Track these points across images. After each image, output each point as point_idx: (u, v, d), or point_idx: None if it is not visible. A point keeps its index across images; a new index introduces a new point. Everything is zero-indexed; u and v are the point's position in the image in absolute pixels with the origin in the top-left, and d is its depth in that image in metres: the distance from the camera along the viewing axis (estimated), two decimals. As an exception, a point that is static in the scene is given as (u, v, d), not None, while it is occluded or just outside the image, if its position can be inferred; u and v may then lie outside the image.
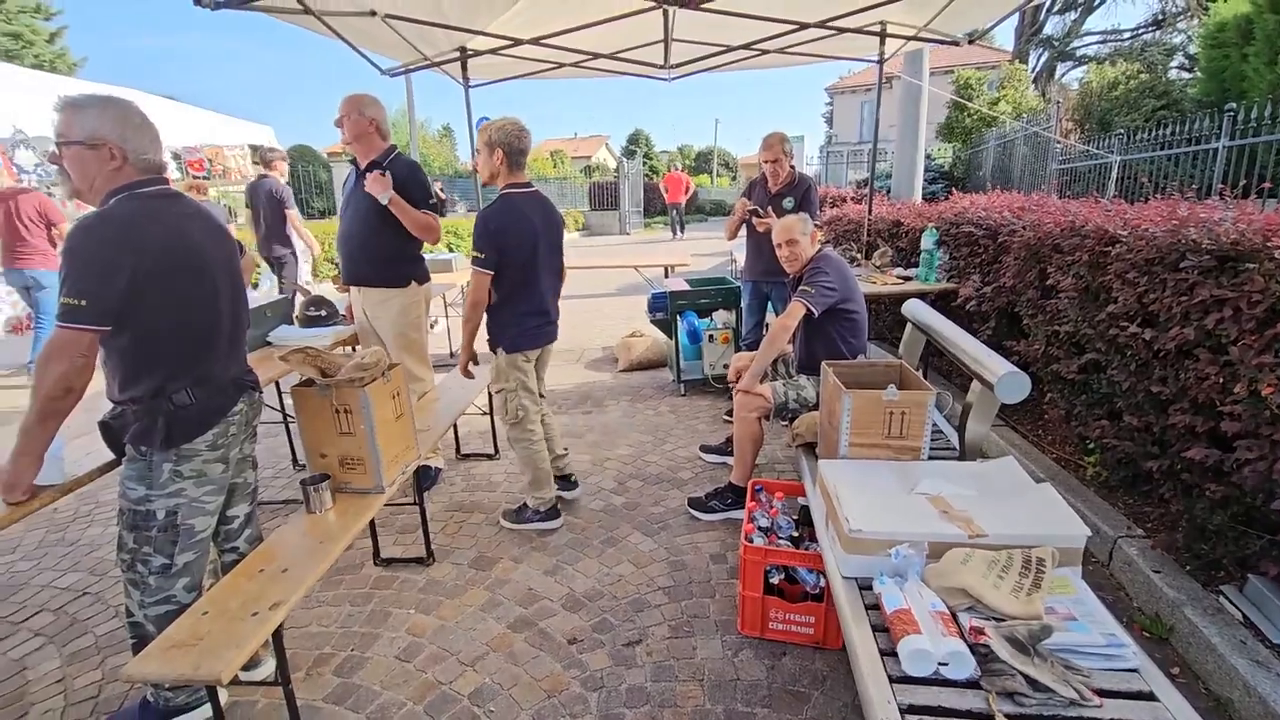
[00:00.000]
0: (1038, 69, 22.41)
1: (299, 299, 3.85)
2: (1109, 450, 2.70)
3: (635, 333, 5.91)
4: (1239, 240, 2.02)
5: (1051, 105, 10.18)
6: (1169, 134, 6.54)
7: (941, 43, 4.70)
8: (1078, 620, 1.45)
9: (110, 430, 1.77)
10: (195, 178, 7.66)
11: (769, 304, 4.21)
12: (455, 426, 3.58)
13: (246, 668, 1.88)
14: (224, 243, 1.86)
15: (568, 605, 2.44)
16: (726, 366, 4.51)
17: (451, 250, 9.17)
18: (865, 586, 1.67)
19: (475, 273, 2.65)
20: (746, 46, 4.80)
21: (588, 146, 42.46)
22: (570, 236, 19.52)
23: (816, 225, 3.08)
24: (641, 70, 5.34)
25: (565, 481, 3.20)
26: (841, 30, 4.35)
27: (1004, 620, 1.42)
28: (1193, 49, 15.87)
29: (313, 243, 6.40)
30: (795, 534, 2.31)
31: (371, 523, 2.55)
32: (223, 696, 1.78)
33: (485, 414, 3.84)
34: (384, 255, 3.02)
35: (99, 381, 1.65)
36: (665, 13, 4.01)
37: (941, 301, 4.08)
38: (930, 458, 2.19)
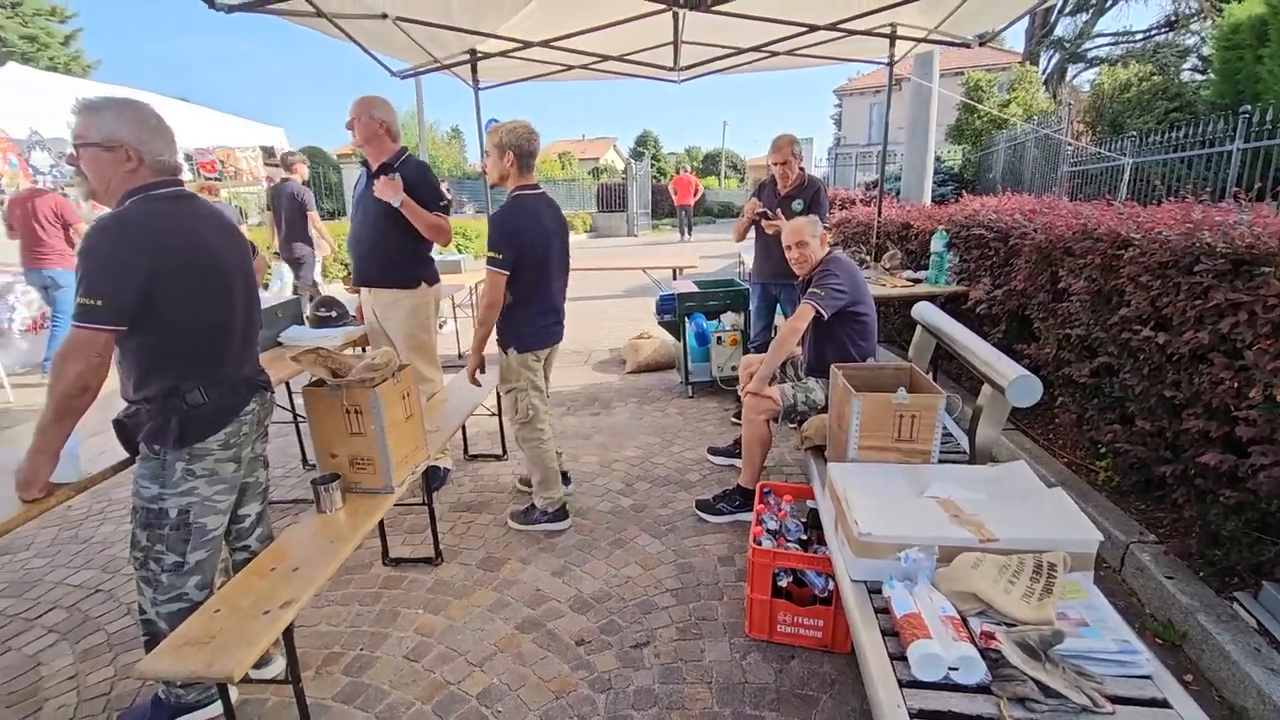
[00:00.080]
0: (1049, 71, 22.27)
1: (310, 299, 3.87)
2: (1121, 455, 2.67)
3: (643, 334, 5.91)
4: (1254, 244, 2.00)
5: (1063, 107, 10.11)
6: (1182, 136, 6.48)
7: (952, 45, 4.68)
8: (1090, 626, 1.44)
9: (124, 429, 1.79)
10: (207, 179, 7.72)
11: (778, 306, 4.20)
12: (464, 427, 3.59)
13: (257, 665, 1.89)
14: (237, 243, 1.87)
15: (575, 606, 2.44)
16: (734, 368, 4.52)
17: (460, 252, 9.20)
18: (874, 590, 1.66)
19: (491, 273, 2.64)
20: (756, 48, 4.80)
21: (596, 148, 42.55)
22: (578, 238, 19.57)
23: (825, 227, 3.07)
24: (651, 72, 5.35)
25: (562, 478, 3.21)
26: (851, 32, 4.34)
27: (1015, 625, 1.41)
28: (1206, 50, 15.74)
29: (331, 243, 6.53)
30: (804, 537, 2.31)
31: (380, 523, 2.56)
32: (233, 694, 1.79)
33: (493, 415, 3.85)
34: (394, 257, 3.04)
35: (114, 380, 1.67)
36: (675, 15, 4.01)
37: (951, 304, 4.06)
38: (940, 461, 2.18)
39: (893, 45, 4.67)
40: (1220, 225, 2.19)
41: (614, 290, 9.72)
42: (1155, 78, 9.84)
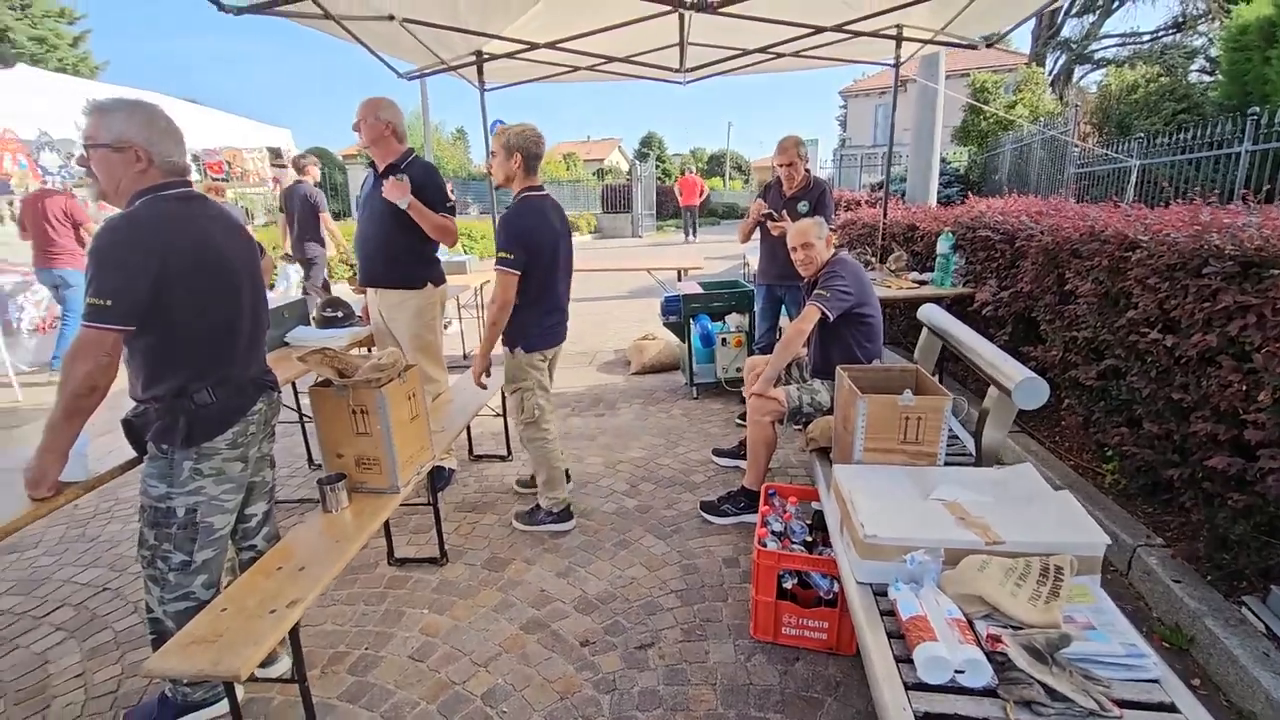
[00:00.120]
0: (1055, 72, 22.19)
1: (316, 300, 3.89)
2: (1128, 458, 2.66)
3: (648, 335, 5.91)
4: (1263, 246, 1.99)
5: (1069, 108, 10.08)
6: (1190, 138, 6.45)
7: (958, 46, 4.67)
8: (1097, 629, 1.44)
9: (133, 428, 1.79)
10: (214, 179, 7.76)
11: (782, 308, 4.20)
12: (469, 428, 3.60)
13: (263, 664, 1.90)
14: (245, 244, 1.88)
15: (580, 607, 2.44)
16: (739, 370, 4.51)
17: (466, 252, 9.23)
18: (880, 592, 1.66)
19: (503, 273, 2.64)
20: (762, 50, 4.80)
21: (600, 149, 42.61)
22: (583, 239, 19.60)
23: (831, 229, 3.07)
24: (657, 74, 5.35)
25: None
26: (857, 34, 4.34)
27: (1022, 628, 1.41)
28: (1214, 52, 15.67)
29: (342, 244, 6.61)
30: (809, 539, 2.30)
31: (386, 522, 2.57)
32: (239, 693, 1.80)
33: (498, 415, 3.85)
34: (400, 257, 3.05)
35: (122, 380, 1.67)
36: (681, 16, 4.01)
37: (957, 306, 4.05)
38: (946, 464, 2.17)
39: (899, 47, 4.66)
40: (1229, 227, 2.18)
41: (619, 291, 9.73)
42: (1162, 79, 9.80)
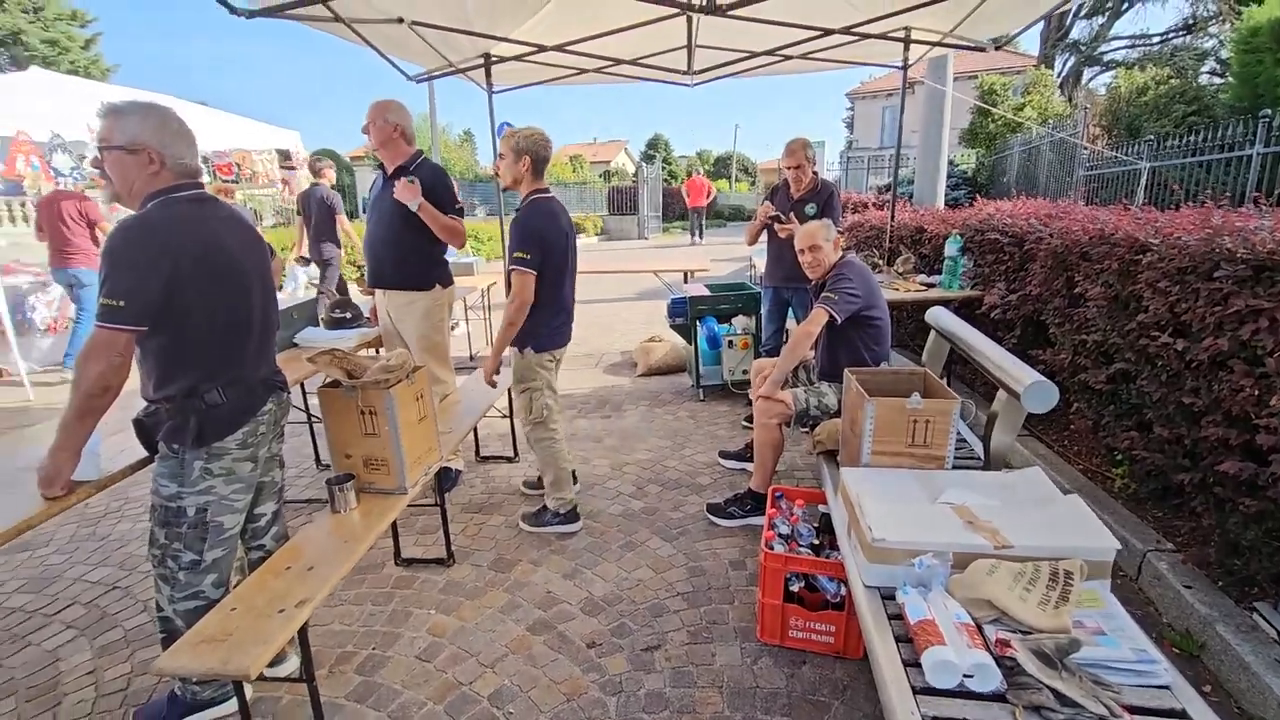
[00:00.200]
0: (1064, 74, 22.10)
1: (324, 301, 3.91)
2: (1138, 462, 2.65)
3: (654, 337, 5.91)
4: (1276, 250, 1.98)
5: (1078, 111, 10.03)
6: (1201, 140, 6.41)
7: (967, 49, 4.66)
8: (1107, 635, 1.43)
9: (144, 428, 1.81)
10: (224, 181, 7.82)
11: (789, 310, 4.19)
12: (475, 429, 3.61)
13: (272, 664, 1.91)
14: (256, 246, 1.90)
15: (586, 609, 2.44)
16: (746, 372, 4.51)
17: (474, 254, 9.25)
18: (888, 596, 1.65)
19: (521, 274, 2.65)
20: (770, 52, 4.80)
21: (607, 151, 42.67)
22: (589, 241, 19.62)
23: (838, 232, 3.06)
24: (664, 76, 5.36)
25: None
26: (865, 36, 4.33)
27: (1031, 633, 1.40)
28: (1225, 54, 15.57)
29: (356, 244, 6.72)
30: (816, 542, 2.30)
31: (393, 523, 2.58)
32: (248, 692, 1.81)
33: (505, 416, 3.86)
34: (409, 258, 3.06)
35: (134, 380, 1.69)
36: (689, 19, 4.02)
37: (965, 309, 4.04)
38: (954, 467, 2.17)
39: (907, 49, 4.65)
40: (1241, 231, 2.17)
41: (625, 293, 9.73)
42: (1173, 81, 9.74)
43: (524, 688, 2.06)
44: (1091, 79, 22.82)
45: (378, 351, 3.44)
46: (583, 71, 5.18)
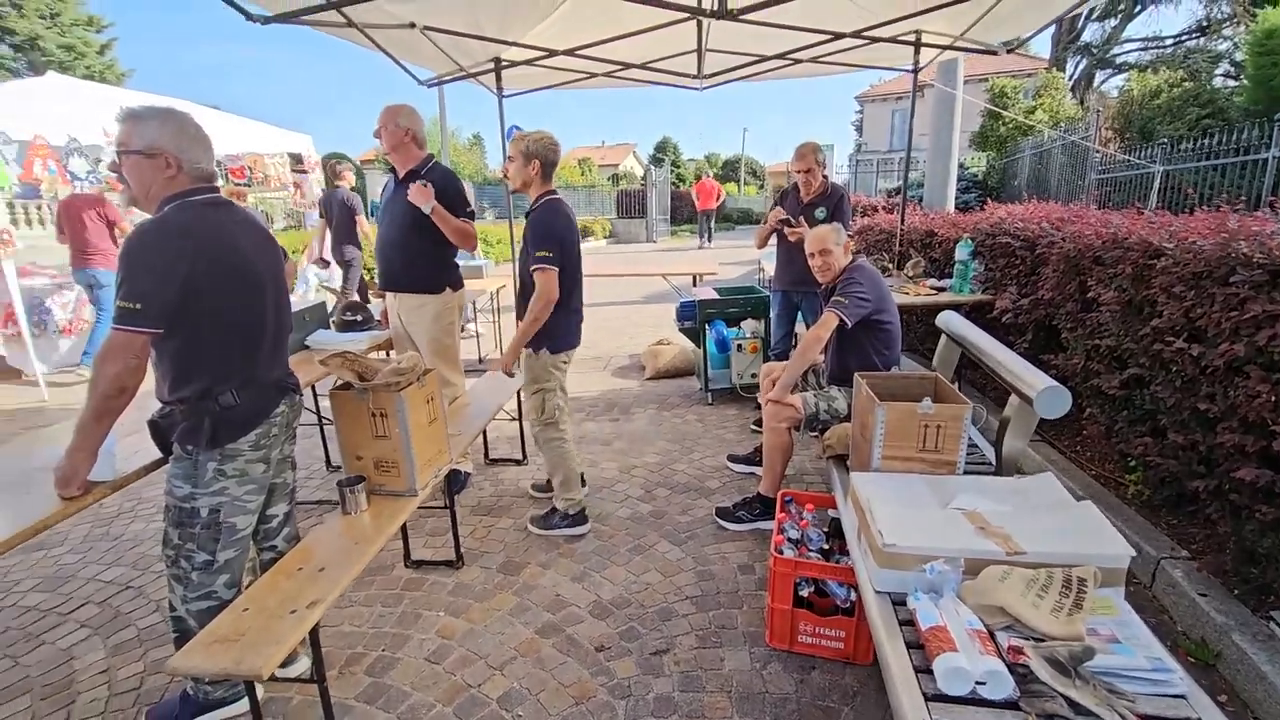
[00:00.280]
0: (1076, 76, 21.96)
1: (335, 303, 3.94)
2: (1152, 468, 2.62)
3: (662, 340, 5.91)
4: (1293, 254, 1.96)
5: (1090, 113, 9.96)
6: (1215, 143, 6.36)
7: (978, 52, 4.64)
8: (1121, 643, 1.41)
9: (159, 429, 1.83)
10: (236, 185, 7.88)
11: (798, 314, 4.19)
12: (484, 431, 3.62)
13: (283, 664, 1.92)
14: (270, 249, 1.91)
15: (595, 612, 2.44)
16: (754, 376, 4.50)
17: (484, 256, 9.29)
18: (899, 602, 1.65)
19: (546, 271, 2.66)
20: (780, 56, 4.80)
21: (615, 154, 42.76)
22: (597, 244, 19.66)
23: (849, 235, 3.06)
24: (674, 80, 5.37)
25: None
26: (875, 40, 4.32)
27: (1044, 640, 1.39)
28: (1239, 56, 15.43)
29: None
30: (825, 546, 2.29)
31: (403, 525, 2.59)
32: (259, 692, 1.82)
33: (514, 419, 3.87)
34: (420, 261, 3.08)
35: (149, 381, 1.71)
36: (699, 23, 4.03)
37: (976, 313, 4.02)
38: (965, 473, 2.15)
39: (917, 53, 4.63)
40: (1257, 235, 2.15)
41: (633, 296, 9.74)
42: (1186, 84, 9.67)
43: (533, 690, 2.06)
44: (1104, 82, 22.68)
45: (388, 354, 3.46)
46: (592, 76, 5.20)
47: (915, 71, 4.85)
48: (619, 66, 4.97)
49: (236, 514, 1.84)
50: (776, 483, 2.91)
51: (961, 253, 4.27)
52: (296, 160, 8.43)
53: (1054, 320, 3.38)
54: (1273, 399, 1.95)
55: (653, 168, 23.01)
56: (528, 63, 4.73)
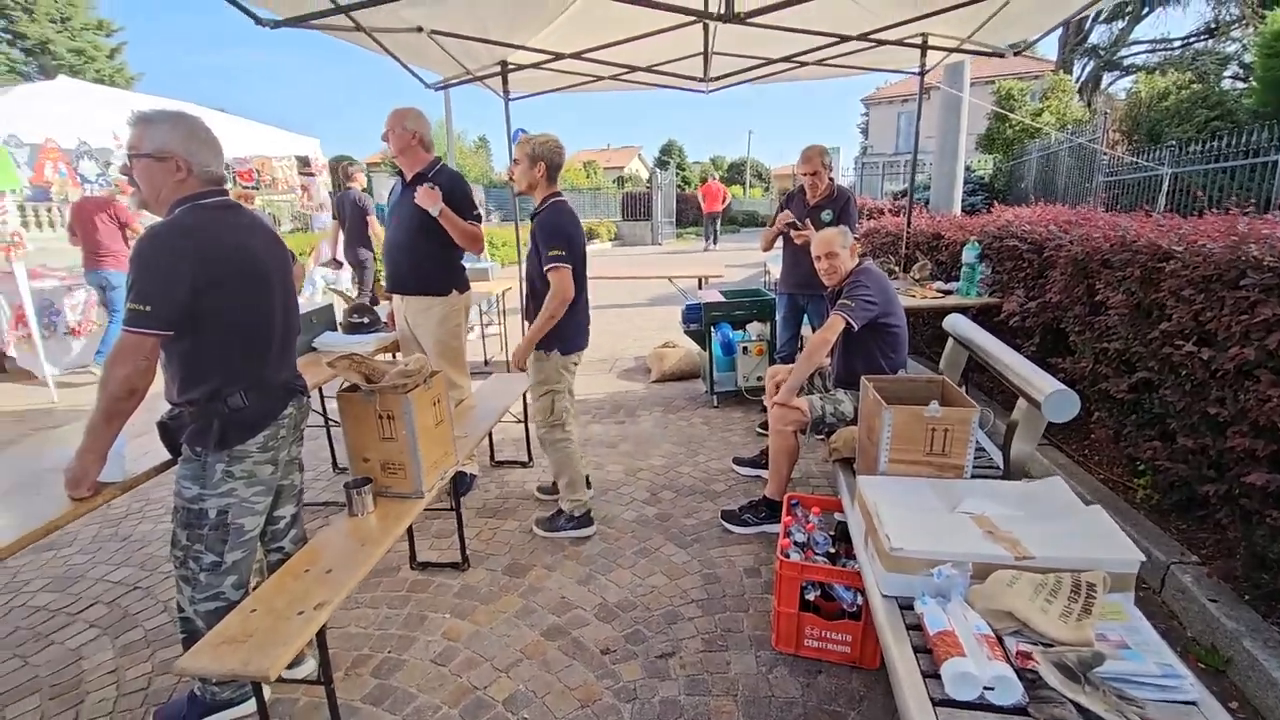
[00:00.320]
0: (1083, 78, 21.89)
1: (341, 306, 3.95)
2: (1161, 473, 2.61)
3: (668, 343, 5.91)
4: (1304, 257, 1.95)
5: (1098, 116, 9.92)
6: (1224, 146, 6.32)
7: (985, 54, 4.63)
8: (1131, 648, 1.40)
9: (168, 431, 1.84)
10: (244, 187, 7.92)
11: (804, 317, 4.18)
12: (490, 434, 3.62)
13: (289, 665, 1.93)
14: (278, 252, 1.92)
15: (600, 615, 2.44)
16: (760, 379, 4.49)
17: (491, 259, 9.30)
18: (906, 606, 1.64)
19: (561, 270, 2.67)
20: (786, 59, 4.80)
21: (620, 157, 42.83)
22: (603, 246, 19.68)
23: (855, 238, 3.05)
24: (680, 83, 5.38)
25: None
26: (882, 43, 4.32)
27: (1053, 646, 1.38)
28: (1248, 58, 15.35)
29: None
30: (832, 550, 2.28)
31: (409, 527, 2.59)
32: (266, 693, 1.82)
33: (519, 421, 3.88)
34: (427, 264, 3.09)
35: (158, 383, 1.72)
36: (706, 26, 4.03)
37: (982, 316, 4.00)
38: (972, 476, 2.14)
39: (924, 55, 4.63)
40: (1268, 238, 2.14)
41: (639, 299, 9.75)
42: (1194, 86, 9.62)
43: (538, 693, 2.06)
44: (1111, 84, 22.60)
45: (395, 356, 3.47)
46: (599, 79, 5.21)
47: (922, 74, 4.84)
48: (625, 70, 4.98)
49: (244, 515, 1.85)
50: (782, 486, 2.91)
51: (968, 255, 4.26)
52: (304, 163, 8.47)
53: (1062, 323, 3.37)
54: (1284, 403, 1.93)
55: (658, 170, 23.06)
56: (534, 66, 4.75)
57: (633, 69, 4.99)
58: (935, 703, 1.33)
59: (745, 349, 4.69)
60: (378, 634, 2.36)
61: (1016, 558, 1.60)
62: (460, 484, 3.26)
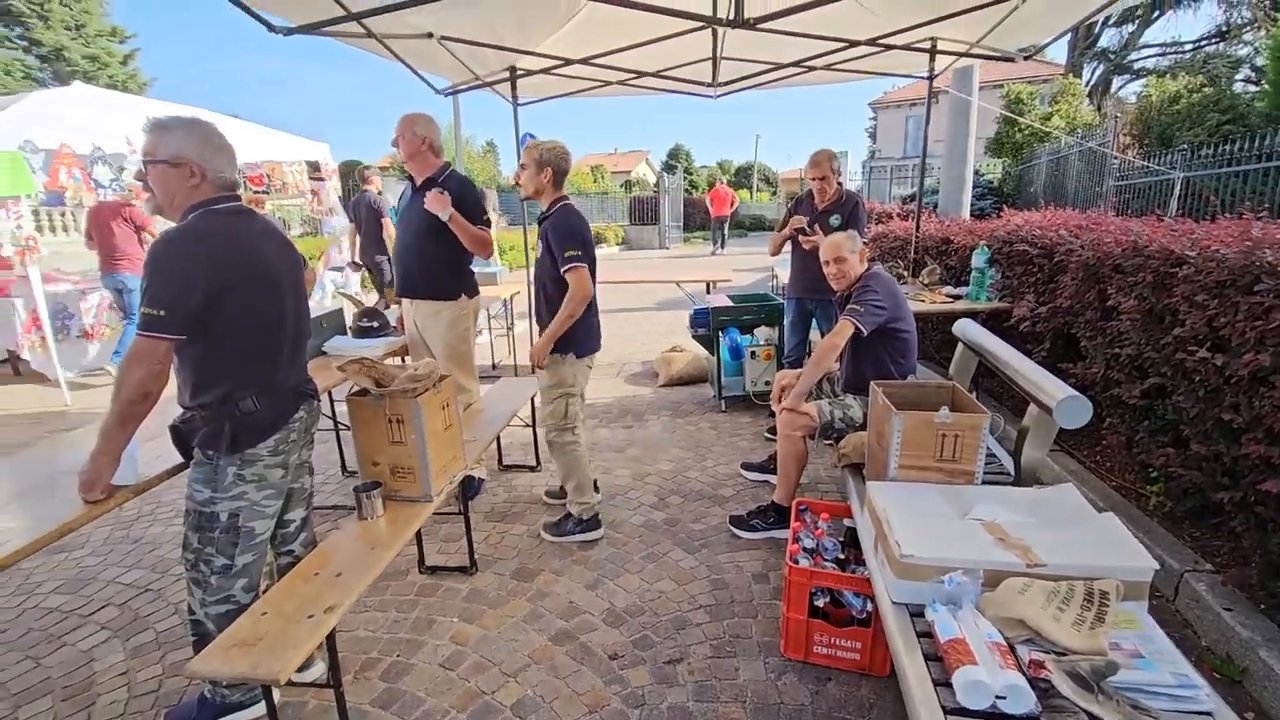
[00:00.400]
0: (1093, 82, 21.78)
1: (351, 310, 3.97)
2: (1174, 479, 2.58)
3: (676, 347, 5.91)
4: (1319, 263, 1.93)
5: (1108, 120, 9.86)
6: (1236, 150, 6.27)
7: (994, 59, 4.62)
8: (1145, 658, 1.39)
9: (180, 434, 1.85)
10: (255, 192, 7.98)
11: (813, 321, 4.17)
12: (498, 437, 3.63)
13: (299, 669, 1.93)
14: (290, 257, 1.94)
15: (609, 620, 2.44)
16: (768, 383, 4.48)
17: (499, 263, 9.33)
18: (916, 613, 1.63)
19: (578, 269, 2.68)
20: (795, 64, 4.80)
21: (628, 161, 42.89)
22: (610, 250, 19.70)
23: (864, 243, 3.05)
24: (688, 88, 5.39)
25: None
26: (891, 47, 4.32)
27: (1065, 654, 1.37)
28: (1260, 61, 15.24)
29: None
30: (841, 556, 2.27)
31: (417, 531, 2.60)
32: (276, 696, 1.83)
33: (528, 425, 3.88)
34: (436, 268, 3.11)
35: (171, 387, 1.73)
36: (714, 32, 4.04)
37: (992, 321, 3.98)
38: (983, 483, 2.13)
39: (933, 60, 4.62)
40: (1282, 243, 2.12)
41: (646, 303, 9.75)
42: (1206, 89, 9.54)
43: (546, 698, 2.05)
44: (1121, 87, 22.48)
45: (404, 360, 3.49)
46: (607, 84, 5.23)
47: (930, 79, 4.83)
48: (633, 75, 5.00)
49: (255, 519, 1.86)
50: (791, 491, 2.90)
51: (978, 260, 4.24)
52: (314, 168, 8.53)
53: (1073, 329, 3.34)
54: (1300, 410, 1.91)
55: (665, 174, 23.07)
56: (543, 71, 4.77)
57: (641, 74, 5.01)
58: (946, 711, 1.32)
59: (753, 354, 4.69)
60: (386, 638, 2.37)
61: (1028, 565, 1.59)
62: (469, 488, 3.26)
